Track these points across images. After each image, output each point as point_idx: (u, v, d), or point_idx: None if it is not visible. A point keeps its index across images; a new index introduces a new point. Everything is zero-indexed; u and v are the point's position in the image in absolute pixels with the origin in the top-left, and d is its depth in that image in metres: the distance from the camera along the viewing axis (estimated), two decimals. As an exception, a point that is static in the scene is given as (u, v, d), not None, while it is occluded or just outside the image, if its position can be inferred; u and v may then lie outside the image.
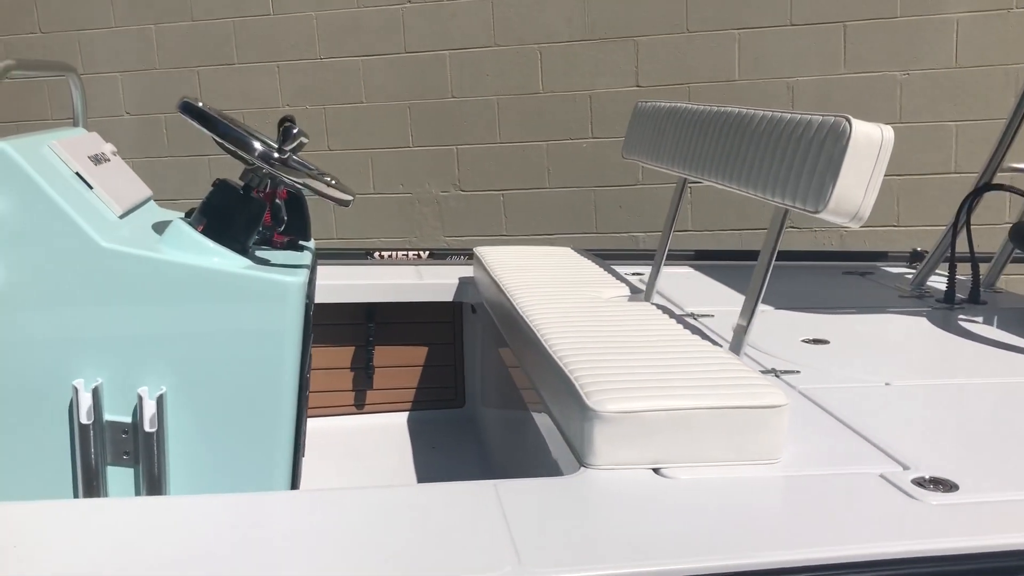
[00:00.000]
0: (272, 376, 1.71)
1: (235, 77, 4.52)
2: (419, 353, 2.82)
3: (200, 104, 1.67)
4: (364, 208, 4.51)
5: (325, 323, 2.73)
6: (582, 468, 1.41)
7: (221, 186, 1.74)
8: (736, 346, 1.77)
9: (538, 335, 1.79)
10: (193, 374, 1.68)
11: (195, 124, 1.65)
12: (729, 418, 1.42)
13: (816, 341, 2.10)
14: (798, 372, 1.87)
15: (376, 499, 1.29)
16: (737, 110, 1.88)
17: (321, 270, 2.81)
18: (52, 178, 1.64)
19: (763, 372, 1.86)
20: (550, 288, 2.17)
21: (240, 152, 1.65)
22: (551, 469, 1.66)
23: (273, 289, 1.69)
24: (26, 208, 1.59)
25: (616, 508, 1.29)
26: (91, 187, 1.75)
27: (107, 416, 1.67)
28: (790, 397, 1.50)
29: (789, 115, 1.68)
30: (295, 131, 1.64)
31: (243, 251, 1.77)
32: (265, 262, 1.79)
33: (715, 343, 1.75)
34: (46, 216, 1.59)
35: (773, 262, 1.73)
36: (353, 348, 2.77)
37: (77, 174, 1.73)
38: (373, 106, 4.46)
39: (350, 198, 1.81)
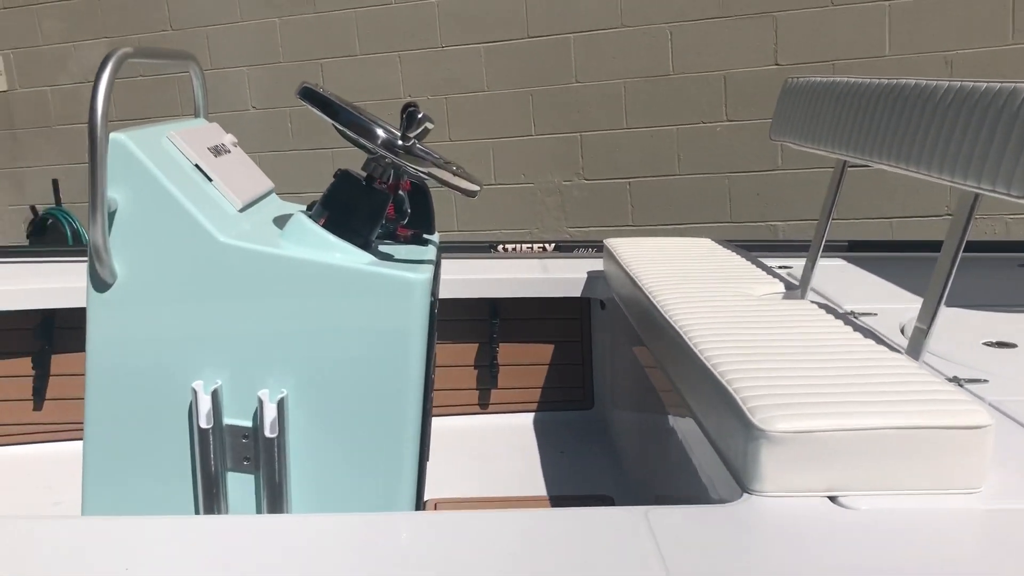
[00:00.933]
0: (397, 377, 1.59)
1: (357, 68, 4.48)
2: (545, 351, 2.67)
3: (321, 90, 1.57)
4: (485, 199, 4.39)
5: (448, 318, 2.62)
6: (746, 495, 1.22)
7: (343, 177, 1.63)
8: (915, 351, 1.54)
9: (685, 337, 1.61)
10: (315, 376, 1.58)
11: (315, 111, 1.54)
12: (921, 440, 1.21)
13: (1001, 344, 1.84)
14: (986, 381, 1.62)
15: (515, 523, 1.14)
16: (914, 81, 1.64)
17: (444, 264, 2.70)
18: (170, 170, 1.56)
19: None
20: (692, 284, 1.98)
21: (362, 140, 1.53)
22: (702, 491, 1.48)
23: (398, 286, 1.56)
24: (143, 201, 1.51)
25: (787, 541, 1.11)
26: (210, 179, 1.67)
27: (227, 420, 1.58)
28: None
29: (985, 84, 1.44)
30: (419, 116, 1.51)
31: (366, 246, 1.65)
32: (389, 257, 1.68)
33: (890, 347, 1.53)
34: (164, 210, 1.51)
35: (960, 255, 1.49)
36: (477, 345, 2.65)
37: (196, 166, 1.66)
38: (495, 94, 4.33)
39: (477, 188, 1.67)
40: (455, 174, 1.58)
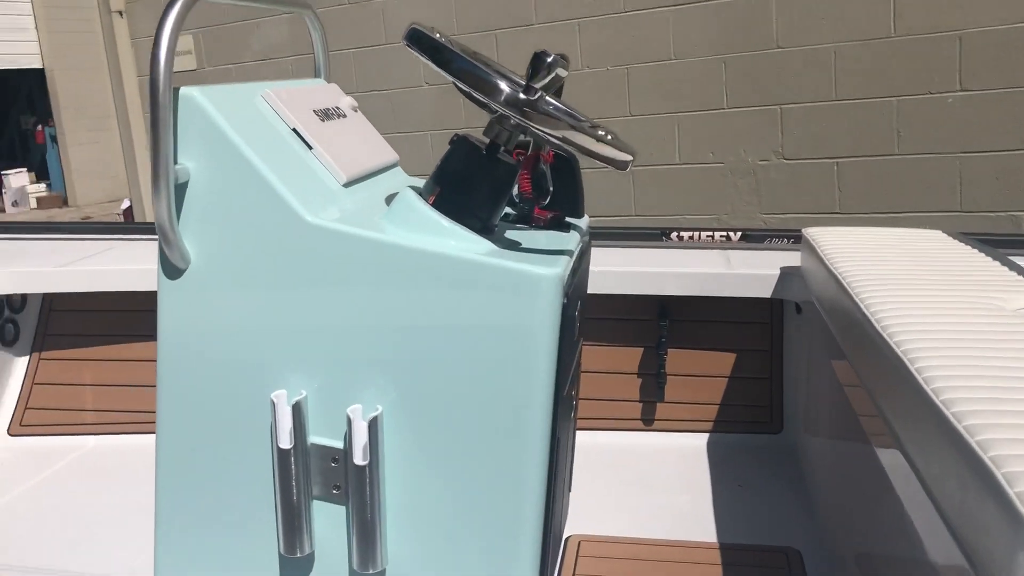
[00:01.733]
0: (519, 393, 1.25)
1: (533, 38, 4.17)
2: (724, 361, 2.25)
3: (434, 34, 1.24)
4: (666, 179, 3.96)
5: (607, 317, 2.25)
6: None
7: (459, 145, 1.30)
8: None
9: (907, 362, 1.17)
10: (416, 389, 1.27)
11: (423, 58, 1.22)
12: None
13: None
14: None
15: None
16: None
17: (607, 254, 2.33)
18: (256, 134, 1.29)
19: None
20: (918, 289, 1.51)
21: (475, 93, 1.20)
22: (927, 570, 1.04)
23: (520, 282, 1.22)
24: (219, 171, 1.25)
25: None
26: (310, 147, 1.38)
27: (312, 438, 1.30)
28: None
29: None
30: (549, 59, 1.15)
31: (486, 230, 1.32)
32: (514, 245, 1.33)
33: None
34: (242, 181, 1.24)
35: None
36: (642, 350, 2.26)
37: (294, 131, 1.38)
38: (682, 63, 3.89)
39: (628, 157, 1.29)
40: (601, 141, 1.21)
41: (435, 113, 4.55)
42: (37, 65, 10.64)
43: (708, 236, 2.34)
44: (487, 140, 1.31)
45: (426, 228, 1.27)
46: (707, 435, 2.26)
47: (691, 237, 2.33)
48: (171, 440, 1.36)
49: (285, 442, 1.26)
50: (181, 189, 1.26)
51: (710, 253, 2.30)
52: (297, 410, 1.26)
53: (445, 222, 1.27)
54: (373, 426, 1.25)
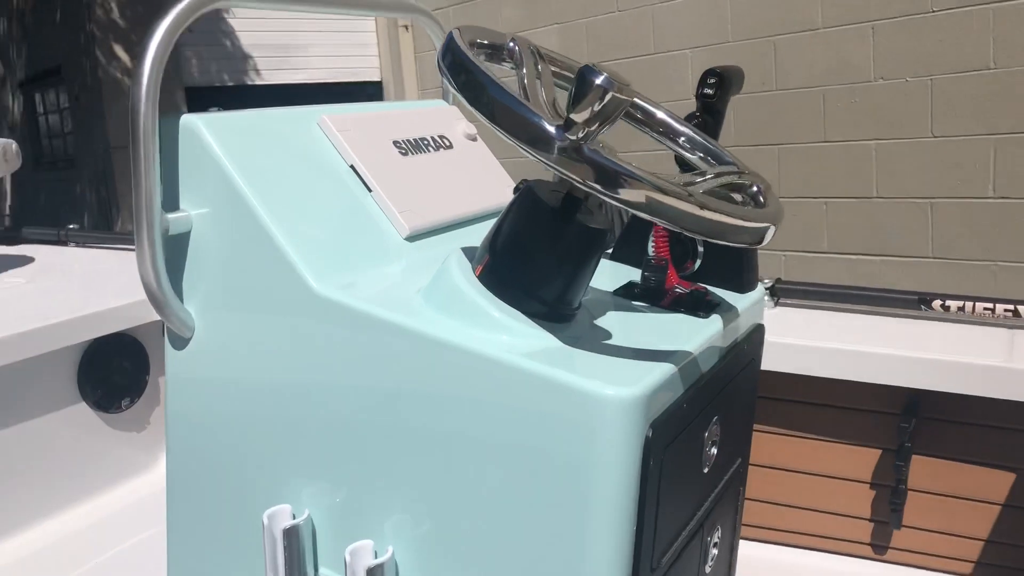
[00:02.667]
0: (569, 556, 0.88)
1: (819, 45, 3.58)
2: (996, 481, 1.64)
3: (466, 40, 0.88)
4: (971, 216, 3.21)
5: (830, 404, 1.73)
6: None
7: (524, 196, 0.93)
8: None
9: None
10: (440, 530, 0.93)
11: (443, 77, 0.86)
12: None
13: None
14: None
15: None
16: None
17: (836, 320, 1.81)
18: (280, 173, 1.02)
19: None
20: None
21: (497, 131, 0.82)
22: None
23: (572, 403, 0.85)
24: (223, 219, 1.00)
25: None
26: (369, 189, 1.09)
27: (323, 571, 1.01)
28: None
29: None
30: (598, 80, 0.75)
31: (556, 315, 0.94)
32: (596, 342, 0.95)
33: None
34: (244, 233, 0.98)
35: None
36: (877, 453, 1.71)
37: (352, 168, 1.10)
38: (1006, 72, 3.12)
39: (763, 226, 0.85)
40: (696, 203, 0.78)
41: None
42: (376, 78, 11.51)
43: (987, 309, 1.73)
44: (562, 191, 0.93)
45: (464, 309, 0.92)
46: (962, 579, 1.67)
47: (961, 309, 1.73)
48: (180, 539, 1.13)
49: (274, 572, 0.98)
50: (182, 240, 1.02)
51: (988, 334, 1.70)
52: (292, 536, 0.97)
53: (490, 304, 0.91)
54: (377, 574, 0.93)
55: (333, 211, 1.04)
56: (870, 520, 1.73)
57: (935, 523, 1.67)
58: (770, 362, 1.72)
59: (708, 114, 1.14)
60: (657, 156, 1.12)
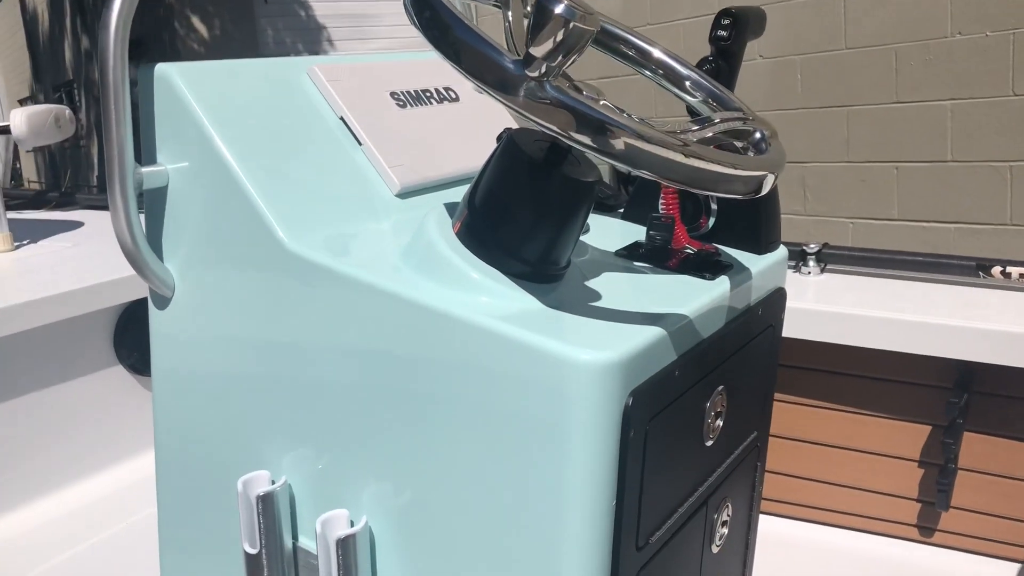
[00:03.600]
0: (545, 525, 0.83)
1: (888, 2, 3.39)
2: (1057, 462, 1.52)
3: None
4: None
5: (872, 376, 1.63)
6: None
7: (504, 146, 0.87)
8: None
9: None
10: (411, 502, 0.89)
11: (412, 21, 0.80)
12: None
13: None
14: None
15: None
16: None
17: (875, 292, 1.70)
18: (260, 124, 0.98)
19: None
20: None
21: (456, 68, 0.75)
22: None
23: (544, 368, 0.79)
24: (199, 173, 0.96)
25: None
26: (360, 143, 1.05)
27: (301, 540, 0.98)
28: None
29: None
30: (558, 9, 0.68)
31: (541, 275, 0.88)
32: (582, 303, 0.89)
33: None
34: (219, 186, 0.94)
35: None
36: (926, 430, 1.61)
37: (341, 119, 1.05)
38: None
39: (757, 174, 0.77)
40: (679, 149, 0.70)
41: (770, 90, 3.95)
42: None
43: (1051, 276, 1.60)
44: (546, 141, 0.86)
45: (440, 269, 0.86)
46: (1017, 565, 1.55)
47: (1022, 276, 1.60)
48: (169, 504, 1.11)
49: (251, 545, 0.95)
50: (160, 195, 0.99)
51: (1050, 303, 1.57)
52: (267, 503, 0.94)
53: (467, 263, 0.86)
54: (346, 547, 0.89)
55: (316, 165, 0.99)
56: (916, 500, 1.62)
57: (986, 505, 1.56)
58: (812, 331, 1.63)
59: (722, 59, 1.05)
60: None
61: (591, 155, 0.72)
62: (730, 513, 1.08)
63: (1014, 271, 1.60)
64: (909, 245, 3.47)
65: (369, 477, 0.91)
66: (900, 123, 3.51)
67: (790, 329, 1.62)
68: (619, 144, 0.70)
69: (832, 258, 1.78)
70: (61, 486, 1.92)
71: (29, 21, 17.64)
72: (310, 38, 12.19)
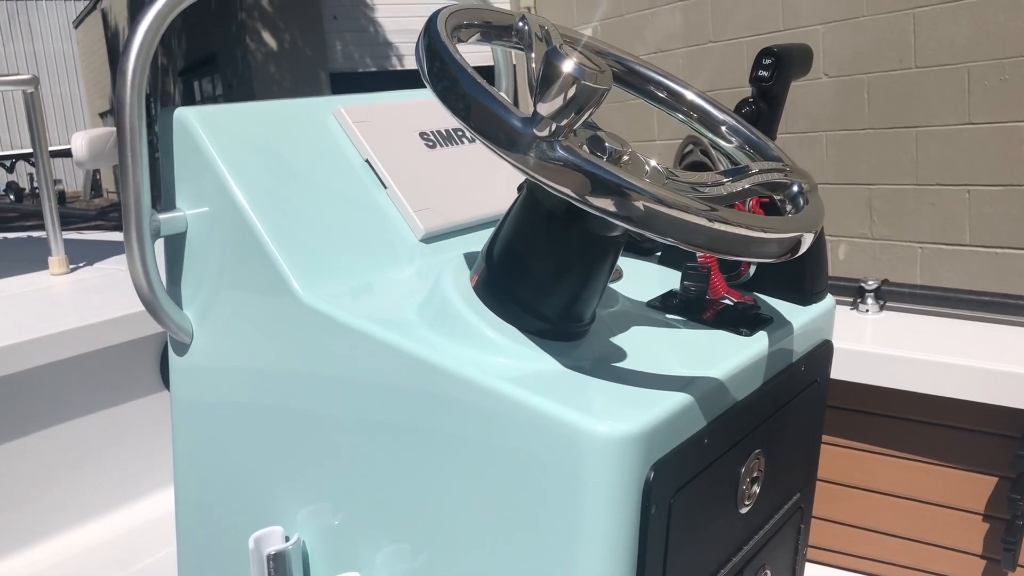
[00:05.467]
0: None
1: (963, 16, 3.25)
2: None
3: (456, 21, 0.78)
4: None
5: (929, 422, 1.54)
6: None
7: (524, 197, 0.83)
8: None
9: None
10: (424, 569, 0.85)
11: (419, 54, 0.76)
12: None
13: None
14: None
15: None
16: None
17: (947, 328, 1.61)
18: (281, 169, 0.96)
19: None
20: None
21: (464, 127, 0.71)
22: None
23: (558, 438, 0.75)
24: (217, 219, 0.94)
25: None
26: (385, 187, 1.02)
27: None
28: None
29: None
30: (567, 68, 0.63)
31: (560, 332, 0.84)
32: (599, 365, 0.84)
33: None
34: (236, 234, 0.92)
35: None
36: (993, 482, 1.51)
37: (367, 162, 1.02)
38: None
39: (791, 236, 0.72)
40: (704, 215, 0.65)
41: (835, 110, 3.83)
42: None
43: None
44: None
45: (455, 326, 0.83)
46: (1090, 632, 1.45)
47: (1099, 320, 1.50)
48: (188, 557, 1.09)
49: None
50: (180, 241, 0.98)
51: None
52: (278, 562, 0.91)
53: (483, 321, 0.82)
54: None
55: (339, 211, 0.96)
56: (980, 557, 1.53)
57: (1060, 566, 1.46)
58: (868, 374, 1.54)
59: (763, 101, 1.00)
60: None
61: (601, 217, 0.68)
62: None
63: (1090, 314, 1.50)
64: (981, 271, 3.32)
65: (383, 540, 0.87)
66: (972, 145, 3.36)
67: (845, 371, 1.54)
68: (637, 209, 0.66)
69: (892, 295, 1.70)
70: (108, 510, 1.94)
71: (111, 37, 18.27)
72: (378, 53, 12.34)
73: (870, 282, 1.70)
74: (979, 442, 1.51)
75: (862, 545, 1.61)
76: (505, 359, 0.80)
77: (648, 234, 0.67)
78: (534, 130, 0.66)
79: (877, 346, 1.54)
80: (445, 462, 0.81)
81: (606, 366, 0.82)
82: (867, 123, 3.65)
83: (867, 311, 1.70)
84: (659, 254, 1.15)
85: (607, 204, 0.65)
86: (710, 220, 0.66)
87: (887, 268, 3.69)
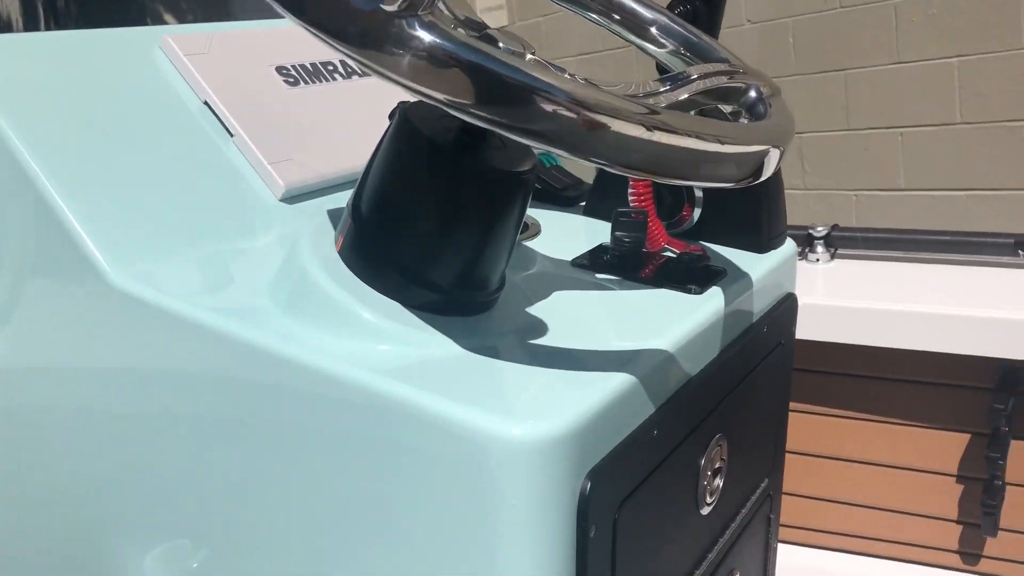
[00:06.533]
0: None
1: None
2: (1124, 474, 1.28)
3: None
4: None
5: (899, 379, 1.39)
6: None
7: (397, 127, 0.62)
8: None
9: None
10: None
11: None
12: None
13: None
14: None
15: None
16: None
17: (907, 274, 1.46)
18: (84, 118, 0.73)
19: None
20: None
21: (294, 20, 0.51)
22: None
23: (459, 446, 0.54)
24: (5, 189, 0.71)
25: None
26: (231, 134, 0.80)
27: None
28: None
29: None
30: None
31: (457, 304, 0.64)
32: (510, 346, 0.63)
33: None
34: (26, 204, 0.69)
35: None
36: (964, 440, 1.37)
37: (206, 105, 0.80)
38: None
39: (756, 150, 0.53)
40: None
41: (761, 58, 3.68)
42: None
43: (1106, 252, 1.35)
44: (455, 122, 0.61)
45: (317, 306, 0.62)
46: (1079, 596, 1.32)
47: (1071, 254, 1.36)
48: None
49: None
50: None
51: (1107, 284, 1.33)
52: None
53: (352, 296, 0.61)
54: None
55: (167, 168, 0.74)
56: (957, 522, 1.38)
57: (1043, 527, 1.33)
58: (824, 331, 1.38)
59: (701, -1, 0.80)
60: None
61: (504, 134, 0.48)
62: None
63: (1060, 248, 1.36)
64: (918, 216, 3.22)
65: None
66: (903, 85, 3.25)
67: (799, 328, 1.38)
68: (544, 115, 0.46)
69: (844, 242, 1.54)
70: None
71: (3, 27, 17.32)
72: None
73: (819, 228, 1.54)
74: (951, 397, 1.36)
75: (831, 519, 1.46)
76: (384, 345, 0.60)
77: (567, 153, 0.47)
78: (381, 5, 0.45)
79: (833, 298, 1.38)
80: (320, 483, 0.61)
81: (520, 346, 0.62)
82: (794, 69, 3.52)
83: (817, 260, 1.54)
84: (583, 204, 0.96)
85: (502, 111, 0.45)
86: (648, 128, 0.47)
87: (822, 218, 3.56)
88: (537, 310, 0.68)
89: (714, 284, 0.75)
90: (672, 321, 0.68)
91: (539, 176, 0.94)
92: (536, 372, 0.59)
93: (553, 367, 0.59)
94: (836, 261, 1.54)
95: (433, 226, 0.60)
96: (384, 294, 0.61)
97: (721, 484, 0.75)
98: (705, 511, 0.74)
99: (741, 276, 0.78)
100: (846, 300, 1.37)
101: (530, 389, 0.57)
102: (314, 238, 0.64)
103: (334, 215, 0.67)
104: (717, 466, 0.74)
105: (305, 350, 0.59)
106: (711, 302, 0.72)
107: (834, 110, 3.44)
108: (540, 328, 0.65)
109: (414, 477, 0.56)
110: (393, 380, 0.56)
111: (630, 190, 0.80)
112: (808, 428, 1.46)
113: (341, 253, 0.63)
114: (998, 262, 1.40)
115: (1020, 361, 1.28)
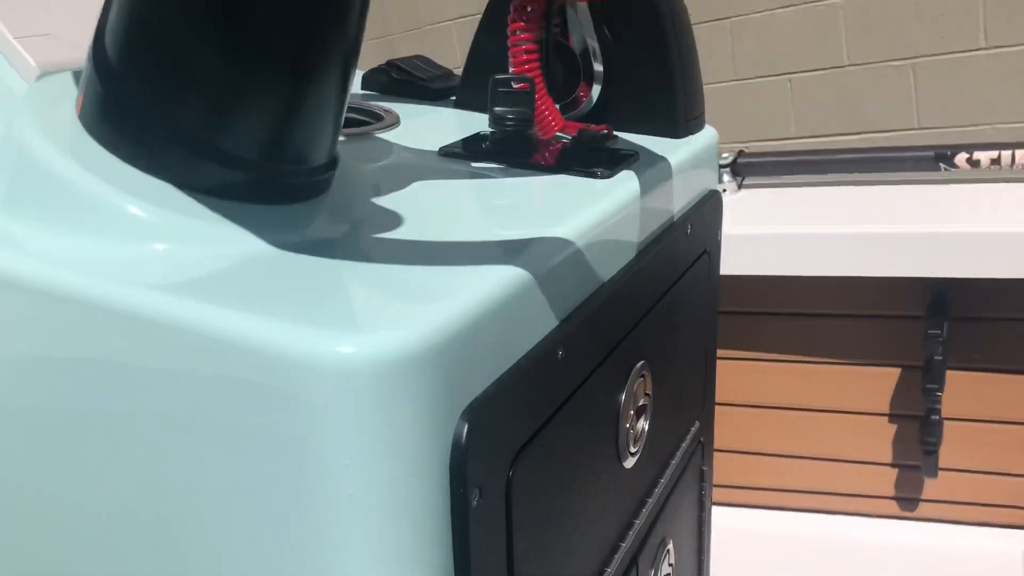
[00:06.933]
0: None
1: None
2: (1064, 396, 1.19)
3: None
4: (959, 75, 2.76)
5: (823, 312, 1.27)
6: None
7: None
8: None
9: None
10: None
11: None
12: None
13: None
14: None
15: None
16: None
17: (821, 197, 1.34)
18: None
19: None
20: None
21: None
22: None
23: (273, 376, 0.33)
24: None
25: None
26: None
27: None
28: None
29: None
30: None
31: (267, 188, 0.43)
32: (349, 242, 0.43)
33: None
34: None
35: None
36: (895, 373, 1.25)
37: None
38: None
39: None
40: None
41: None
42: None
43: (1031, 159, 1.25)
44: None
45: (49, 197, 0.41)
46: (1013, 531, 1.21)
47: (996, 162, 1.25)
48: None
49: None
50: None
51: (1034, 193, 1.22)
52: None
53: (103, 179, 0.41)
54: None
55: None
56: (892, 466, 1.27)
57: (985, 463, 1.22)
58: (741, 263, 1.24)
59: None
60: None
61: None
62: (672, 561, 0.67)
63: (982, 157, 1.24)
64: (810, 165, 3.18)
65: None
66: (789, 30, 3.20)
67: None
68: None
69: (751, 168, 1.40)
70: None
71: None
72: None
73: (723, 155, 1.40)
74: (878, 329, 1.23)
75: (763, 475, 1.33)
76: (158, 244, 0.39)
77: None
78: None
79: (744, 226, 1.24)
80: (102, 444, 0.41)
81: (359, 241, 0.43)
82: (679, 19, 3.42)
83: (724, 191, 1.39)
84: (455, 99, 0.77)
85: None
86: None
87: (716, 172, 3.49)
88: (387, 201, 0.49)
89: (624, 168, 0.57)
90: (574, 210, 0.50)
91: (398, 66, 0.75)
92: (381, 273, 0.40)
93: (406, 265, 0.41)
94: (744, 191, 1.40)
95: (220, 60, 0.40)
96: (151, 173, 0.41)
97: (647, 428, 0.58)
98: (629, 463, 0.56)
99: (657, 160, 0.61)
100: (759, 228, 1.23)
101: (370, 296, 0.38)
102: (44, 103, 0.44)
103: (77, 75, 0.47)
104: (641, 403, 0.57)
105: (32, 260, 0.38)
106: (622, 187, 0.55)
107: (721, 60, 3.36)
108: (389, 219, 0.46)
109: (225, 427, 0.36)
110: (171, 295, 0.36)
111: (510, 53, 0.62)
112: (727, 375, 1.32)
113: (82, 118, 0.43)
114: (920, 177, 1.28)
115: (951, 280, 1.16)
